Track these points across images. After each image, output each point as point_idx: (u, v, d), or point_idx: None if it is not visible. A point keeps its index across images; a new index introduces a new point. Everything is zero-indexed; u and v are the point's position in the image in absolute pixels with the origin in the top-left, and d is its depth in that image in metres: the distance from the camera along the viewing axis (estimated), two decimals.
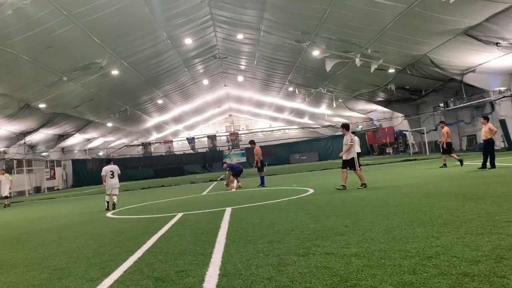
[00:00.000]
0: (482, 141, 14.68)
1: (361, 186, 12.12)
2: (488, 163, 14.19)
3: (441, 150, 18.40)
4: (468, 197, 7.81)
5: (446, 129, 18.11)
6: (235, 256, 5.01)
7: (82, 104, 31.95)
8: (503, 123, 27.22)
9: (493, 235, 4.70)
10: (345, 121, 53.70)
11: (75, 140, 44.90)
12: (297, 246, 5.18)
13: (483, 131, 14.54)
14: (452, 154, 18.14)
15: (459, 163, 17.32)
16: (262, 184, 16.95)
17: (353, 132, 22.07)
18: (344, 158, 12.49)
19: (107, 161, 14.54)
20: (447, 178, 12.18)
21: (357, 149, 20.22)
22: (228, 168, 17.94)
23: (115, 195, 13.66)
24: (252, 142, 18.00)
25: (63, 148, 46.39)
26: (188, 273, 4.46)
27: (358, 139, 20.54)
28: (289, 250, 5.03)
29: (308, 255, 4.69)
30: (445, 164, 17.73)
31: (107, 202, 13.59)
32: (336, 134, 58.35)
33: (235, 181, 17.68)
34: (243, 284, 3.85)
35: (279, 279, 3.89)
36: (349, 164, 12.34)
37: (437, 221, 5.84)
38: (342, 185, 12.20)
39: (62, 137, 39.80)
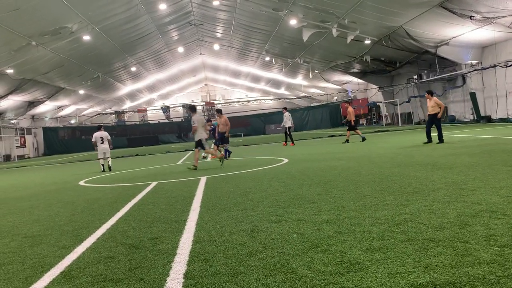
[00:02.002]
0: (428, 115, 14.51)
1: (191, 167, 12.44)
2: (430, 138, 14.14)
3: (348, 127, 19.67)
4: (437, 167, 8.05)
5: (350, 109, 19.67)
6: (209, 223, 5.06)
7: (53, 70, 30.94)
8: (473, 96, 27.87)
9: (459, 203, 4.88)
10: (320, 92, 53.87)
11: (46, 107, 43.68)
12: (270, 214, 5.26)
13: (429, 106, 14.29)
14: (357, 131, 19.59)
15: (361, 139, 18.91)
16: (227, 156, 15.97)
17: (285, 108, 23.11)
18: (195, 139, 12.73)
19: (98, 127, 15.64)
20: (417, 149, 12.49)
21: (289, 124, 21.31)
22: (213, 126, 17.78)
23: (109, 158, 15.18)
24: (219, 111, 16.91)
25: (33, 116, 45.11)
26: (162, 240, 4.49)
27: (289, 114, 21.55)
28: (262, 217, 5.11)
29: (281, 221, 4.78)
30: (347, 140, 19.26)
31: (102, 165, 15.01)
32: (312, 105, 58.65)
33: (216, 150, 17.54)
34: (217, 250, 3.90)
35: (252, 245, 3.96)
36: (199, 144, 12.63)
37: (407, 189, 6.02)
38: (194, 165, 12.47)
39: (32, 104, 38.63)
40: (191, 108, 13.15)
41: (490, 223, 3.94)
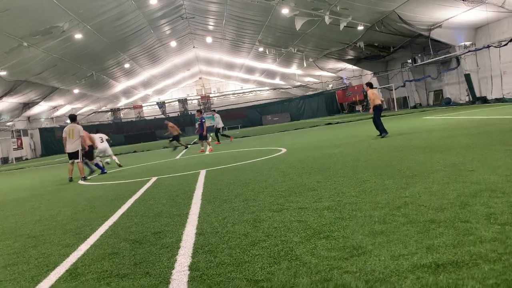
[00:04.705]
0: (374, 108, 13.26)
1: (81, 179, 11.86)
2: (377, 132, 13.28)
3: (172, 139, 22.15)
4: (435, 150, 8.09)
5: (171, 124, 22.11)
6: (211, 215, 5.09)
7: (46, 70, 30.76)
8: (467, 78, 27.89)
9: (458, 183, 4.91)
10: (315, 80, 53.80)
11: (41, 108, 43.48)
12: (271, 203, 5.29)
13: (369, 98, 13.63)
14: (180, 142, 22.22)
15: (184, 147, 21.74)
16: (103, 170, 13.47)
17: (213, 111, 23.95)
18: (70, 151, 12.13)
19: (96, 131, 16.41)
20: (414, 132, 12.52)
21: (221, 124, 23.06)
22: (203, 120, 18.66)
23: (112, 155, 16.08)
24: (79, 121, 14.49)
25: (29, 117, 44.93)
26: (165, 234, 4.51)
27: (218, 115, 23.26)
28: (263, 207, 5.14)
29: (282, 210, 4.81)
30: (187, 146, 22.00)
31: (107, 163, 15.78)
32: (307, 94, 58.61)
33: (207, 144, 17.84)
34: (220, 241, 3.93)
35: (255, 234, 3.99)
36: (74, 156, 12.15)
37: (406, 173, 6.05)
38: (70, 177, 12.03)
39: (27, 105, 38.47)
40: (70, 118, 12.36)
41: (490, 202, 3.97)
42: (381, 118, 13.25)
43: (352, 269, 2.83)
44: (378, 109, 13.24)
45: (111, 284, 3.21)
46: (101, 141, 15.76)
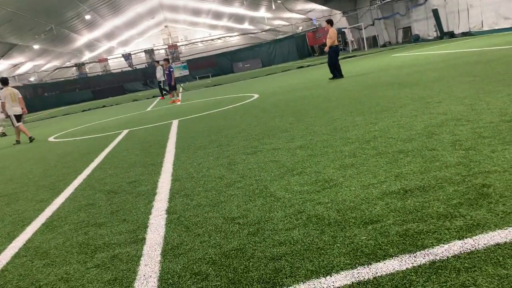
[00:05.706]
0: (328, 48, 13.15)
1: (15, 142, 11.70)
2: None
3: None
4: (403, 85, 8.20)
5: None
6: (186, 162, 5.10)
7: (1, 26, 29.06)
8: (435, 13, 27.86)
9: (425, 115, 5.04)
10: (284, 23, 52.79)
11: (1, 66, 41.50)
12: (245, 147, 5.32)
13: (328, 37, 13.19)
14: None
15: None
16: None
17: (166, 60, 21.95)
18: (17, 113, 11.78)
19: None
20: (384, 70, 12.60)
21: (164, 78, 20.97)
22: (171, 69, 18.48)
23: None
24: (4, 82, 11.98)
25: None
26: (141, 182, 4.52)
27: (161, 67, 21.27)
28: (237, 150, 5.17)
29: (256, 152, 4.86)
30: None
31: (3, 133, 15.08)
32: (278, 38, 57.61)
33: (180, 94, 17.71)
34: (196, 185, 3.97)
35: (230, 176, 4.04)
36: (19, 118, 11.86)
37: (375, 109, 6.15)
38: (30, 137, 11.67)
39: None
40: (3, 81, 11.75)
41: (455, 130, 4.10)
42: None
43: (324, 200, 2.92)
44: (336, 50, 13.13)
45: (88, 233, 3.23)
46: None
